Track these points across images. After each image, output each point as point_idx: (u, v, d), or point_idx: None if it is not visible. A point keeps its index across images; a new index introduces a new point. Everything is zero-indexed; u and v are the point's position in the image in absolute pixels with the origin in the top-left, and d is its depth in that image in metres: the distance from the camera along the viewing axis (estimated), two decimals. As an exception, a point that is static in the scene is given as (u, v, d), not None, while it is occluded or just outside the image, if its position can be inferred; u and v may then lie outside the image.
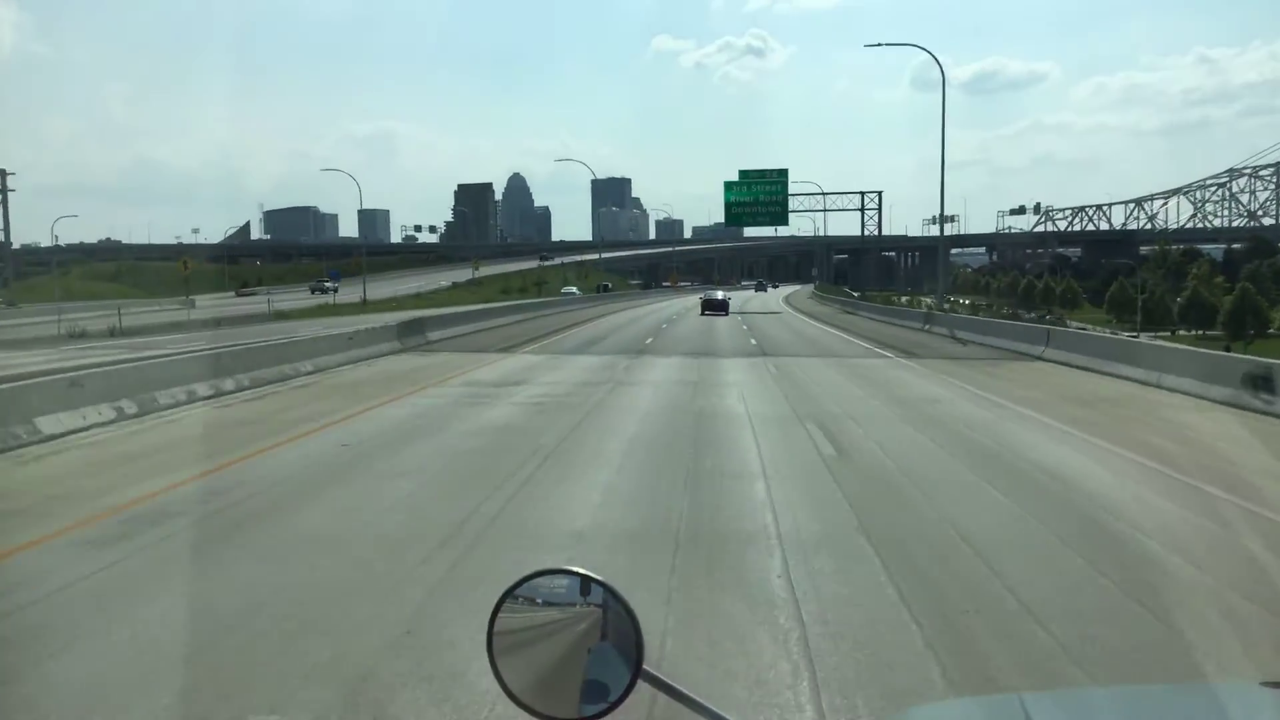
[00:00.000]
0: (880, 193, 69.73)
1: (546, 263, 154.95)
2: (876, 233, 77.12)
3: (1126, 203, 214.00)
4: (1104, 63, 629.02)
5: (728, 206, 72.53)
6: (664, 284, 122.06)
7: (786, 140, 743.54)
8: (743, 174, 72.77)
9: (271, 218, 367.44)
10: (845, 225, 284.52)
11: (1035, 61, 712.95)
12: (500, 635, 1.72)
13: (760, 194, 71.85)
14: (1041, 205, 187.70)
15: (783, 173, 73.32)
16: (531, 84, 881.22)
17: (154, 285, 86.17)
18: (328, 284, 78.73)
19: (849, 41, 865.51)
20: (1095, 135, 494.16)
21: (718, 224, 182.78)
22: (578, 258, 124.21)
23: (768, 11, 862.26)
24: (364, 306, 57.33)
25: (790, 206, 75.52)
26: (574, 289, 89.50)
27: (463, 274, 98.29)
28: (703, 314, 54.21)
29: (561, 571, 1.79)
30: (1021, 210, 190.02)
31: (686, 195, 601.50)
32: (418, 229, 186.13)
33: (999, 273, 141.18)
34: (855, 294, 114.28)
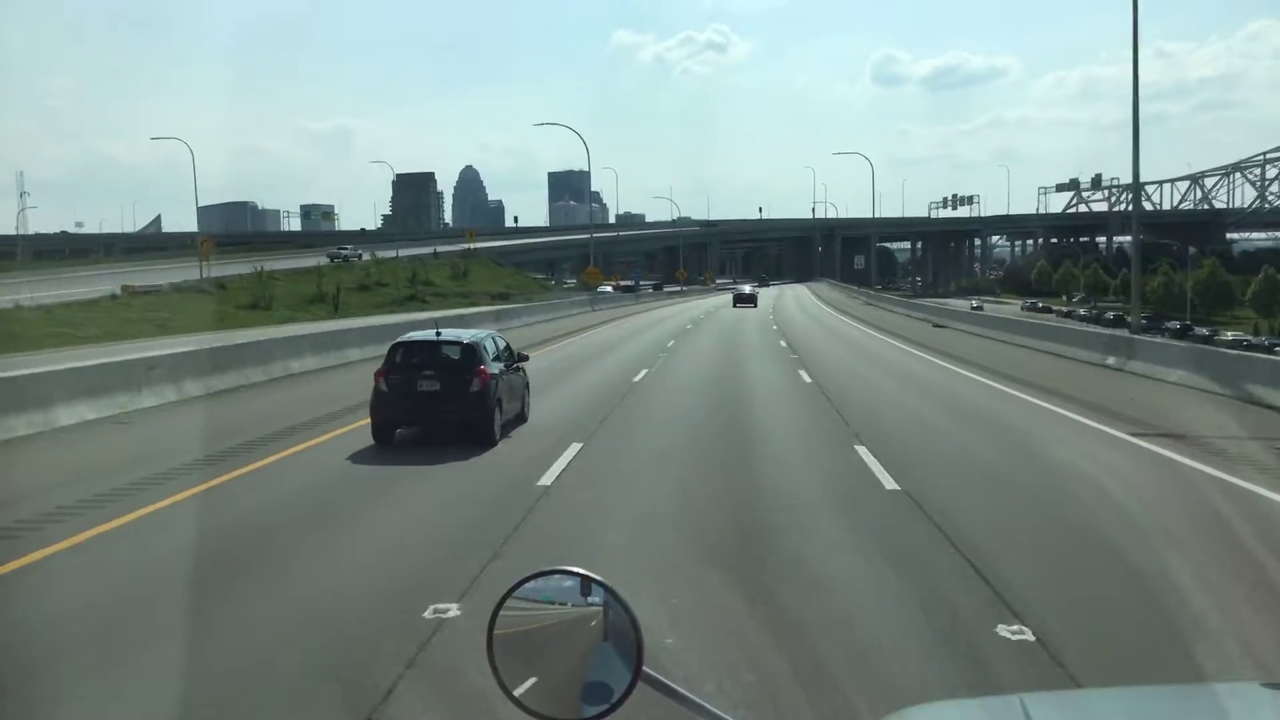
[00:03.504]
0: None
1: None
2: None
3: (1174, 180, 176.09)
4: (1064, 57, 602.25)
5: None
6: (567, 282, 78.14)
7: (747, 135, 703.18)
8: None
9: (208, 213, 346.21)
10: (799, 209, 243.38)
11: (996, 56, 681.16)
12: (501, 636, 1.70)
13: None
14: (1101, 178, 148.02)
15: None
16: (490, 79, 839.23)
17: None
18: (345, 250, 78.41)
19: (809, 36, 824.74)
20: (1055, 129, 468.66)
21: (682, 218, 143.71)
22: (468, 245, 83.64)
23: (727, 7, 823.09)
24: None
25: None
26: (609, 287, 76.43)
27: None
28: (735, 306, 57.40)
29: (562, 572, 1.76)
30: (1073, 185, 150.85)
31: (647, 190, 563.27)
32: (325, 215, 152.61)
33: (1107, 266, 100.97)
34: (865, 289, 77.65)
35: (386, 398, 11.92)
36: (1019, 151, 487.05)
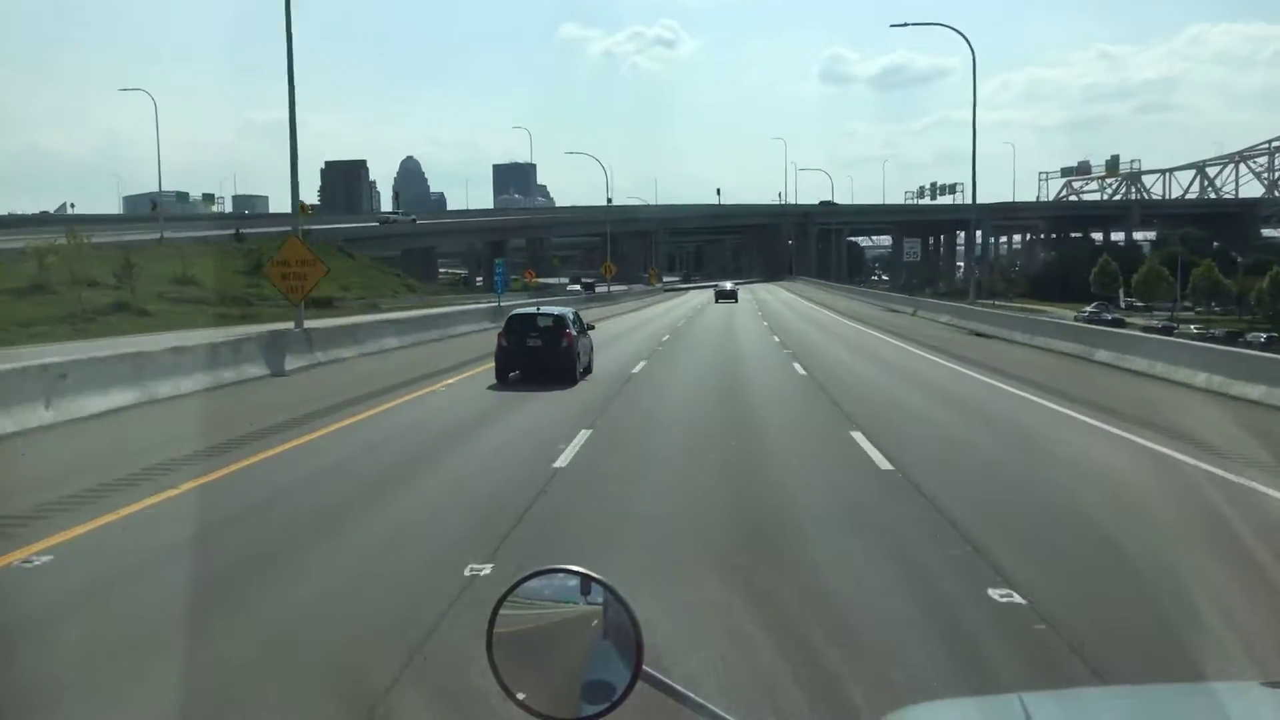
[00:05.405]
0: None
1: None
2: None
3: (1174, 169, 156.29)
4: (1009, 58, 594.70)
5: None
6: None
7: (697, 132, 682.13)
8: None
9: (135, 202, 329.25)
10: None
11: (942, 56, 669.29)
12: (500, 635, 1.68)
13: None
14: (1120, 160, 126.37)
15: None
16: (438, 73, 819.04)
17: None
18: (395, 214, 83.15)
19: (757, 34, 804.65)
20: (1000, 130, 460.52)
21: (617, 207, 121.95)
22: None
23: (676, 2, 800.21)
24: None
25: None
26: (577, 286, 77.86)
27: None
28: (717, 302, 62.72)
29: (561, 571, 1.74)
30: (1084, 169, 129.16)
31: (593, 184, 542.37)
32: (207, 198, 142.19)
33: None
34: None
35: (505, 350, 18.21)
36: (963, 151, 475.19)
